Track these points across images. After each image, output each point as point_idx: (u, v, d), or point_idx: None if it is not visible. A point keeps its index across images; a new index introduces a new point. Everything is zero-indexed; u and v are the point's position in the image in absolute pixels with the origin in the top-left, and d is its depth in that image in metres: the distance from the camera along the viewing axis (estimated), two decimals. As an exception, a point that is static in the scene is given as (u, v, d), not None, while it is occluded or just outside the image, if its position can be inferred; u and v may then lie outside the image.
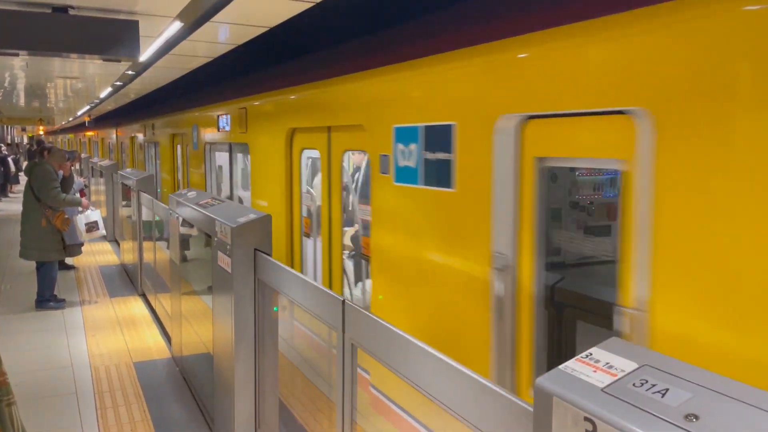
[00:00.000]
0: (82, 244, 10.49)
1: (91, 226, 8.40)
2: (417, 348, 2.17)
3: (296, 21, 4.89)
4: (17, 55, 4.86)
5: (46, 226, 7.68)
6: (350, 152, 5.25)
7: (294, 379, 5.23)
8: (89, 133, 26.23)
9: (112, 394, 5.26)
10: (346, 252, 5.13)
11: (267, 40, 5.71)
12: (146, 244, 8.42)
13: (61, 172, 8.29)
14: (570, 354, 2.76)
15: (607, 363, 1.43)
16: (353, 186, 5.58)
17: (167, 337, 6.66)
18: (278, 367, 4.05)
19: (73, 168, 14.70)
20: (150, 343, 6.63)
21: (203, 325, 4.91)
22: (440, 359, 2.03)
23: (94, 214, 8.45)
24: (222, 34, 5.63)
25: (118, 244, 11.88)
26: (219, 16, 4.81)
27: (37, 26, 4.32)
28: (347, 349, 2.67)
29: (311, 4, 4.35)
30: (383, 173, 4.05)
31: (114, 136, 17.92)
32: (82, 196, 12.72)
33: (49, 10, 4.55)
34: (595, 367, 1.42)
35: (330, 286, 5.12)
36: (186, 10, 4.76)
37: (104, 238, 12.06)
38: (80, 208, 8.37)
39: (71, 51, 4.44)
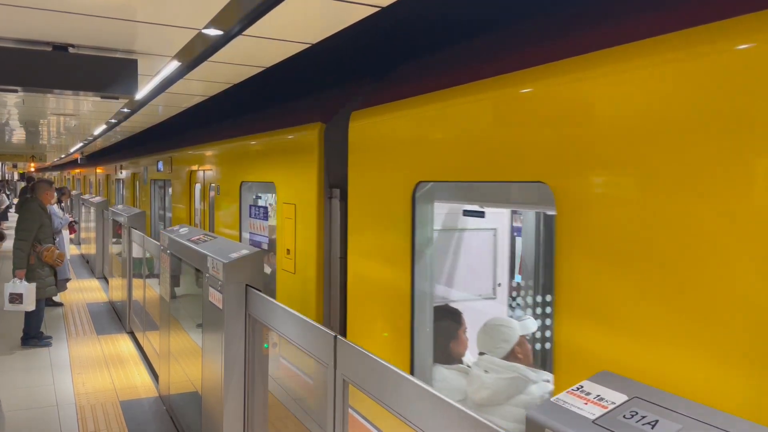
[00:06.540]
0: (68, 279, 10.42)
1: (14, 298, 7.22)
2: (411, 384, 2.17)
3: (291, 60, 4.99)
4: (16, 91, 4.93)
5: (34, 263, 7.57)
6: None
7: (283, 418, 5.15)
8: (74, 171, 28.46)
9: (97, 434, 5.16)
10: None
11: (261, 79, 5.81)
12: (135, 282, 8.37)
13: (52, 206, 8.21)
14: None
15: (598, 395, 1.45)
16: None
17: (155, 376, 6.57)
18: (268, 405, 4.00)
19: (63, 204, 14.75)
20: (137, 381, 6.53)
21: (192, 362, 4.86)
22: (435, 396, 2.03)
23: (22, 286, 7.29)
24: (219, 74, 5.73)
25: (107, 281, 11.78)
26: (216, 56, 4.91)
27: (37, 64, 4.39)
28: (339, 386, 2.66)
29: (307, 45, 4.46)
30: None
31: (95, 173, 21.61)
32: (72, 231, 12.72)
33: (50, 48, 4.63)
34: (587, 399, 1.44)
35: None
36: (184, 50, 4.86)
37: (91, 275, 11.92)
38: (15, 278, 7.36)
39: (70, 88, 4.50)
